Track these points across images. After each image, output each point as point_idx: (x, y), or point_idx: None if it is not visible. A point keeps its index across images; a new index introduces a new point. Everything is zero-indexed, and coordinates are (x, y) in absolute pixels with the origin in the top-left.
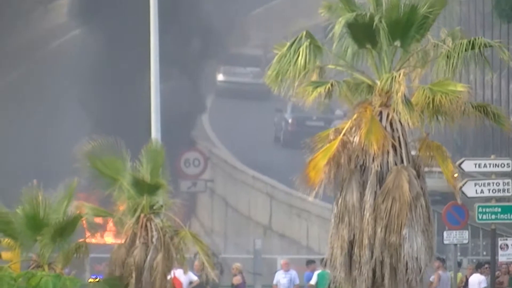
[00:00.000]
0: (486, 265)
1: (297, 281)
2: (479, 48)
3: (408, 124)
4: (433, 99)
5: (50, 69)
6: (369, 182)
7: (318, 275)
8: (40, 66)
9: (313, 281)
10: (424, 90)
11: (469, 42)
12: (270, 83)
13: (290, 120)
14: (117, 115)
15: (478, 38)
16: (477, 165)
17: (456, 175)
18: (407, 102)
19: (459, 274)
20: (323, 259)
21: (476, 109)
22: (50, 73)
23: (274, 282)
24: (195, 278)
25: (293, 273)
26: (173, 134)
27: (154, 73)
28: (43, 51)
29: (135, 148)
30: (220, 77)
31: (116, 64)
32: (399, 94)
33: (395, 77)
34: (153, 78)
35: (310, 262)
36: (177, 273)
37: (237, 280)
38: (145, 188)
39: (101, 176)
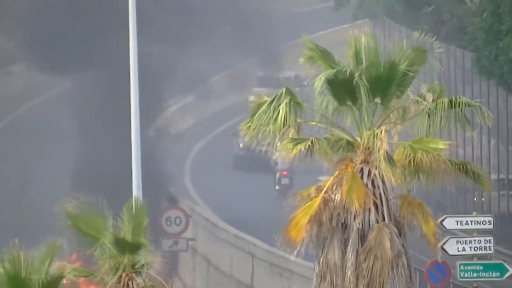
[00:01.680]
0: None
1: None
2: (460, 107)
3: (391, 182)
4: (414, 157)
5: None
6: (350, 240)
7: None
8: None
9: None
10: (405, 148)
11: (450, 101)
12: (247, 138)
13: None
14: (98, 171)
15: (459, 98)
16: (458, 223)
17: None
18: (389, 159)
19: None
20: None
21: (456, 167)
22: (29, 128)
23: None
24: None
25: None
26: (154, 191)
27: (135, 128)
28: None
29: (117, 206)
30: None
31: (97, 117)
32: (381, 151)
33: (377, 134)
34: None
35: None
36: None
37: None
38: (126, 247)
39: (83, 235)
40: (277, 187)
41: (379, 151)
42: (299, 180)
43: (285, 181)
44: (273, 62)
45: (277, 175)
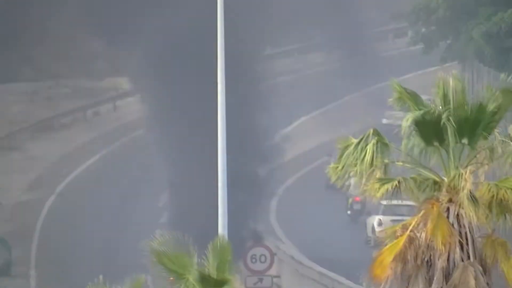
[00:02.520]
0: None
1: None
2: None
3: (474, 220)
4: (497, 194)
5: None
6: (435, 278)
7: None
8: (107, 159)
9: None
10: (489, 187)
11: None
12: (334, 179)
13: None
14: (184, 207)
15: None
16: None
17: None
18: (472, 198)
19: None
20: None
21: None
22: (119, 162)
23: None
24: None
25: None
26: (240, 228)
27: (221, 162)
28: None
29: (202, 243)
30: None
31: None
32: (465, 191)
33: (462, 174)
34: (220, 169)
35: None
36: None
37: None
38: (211, 283)
39: (168, 272)
40: (349, 212)
41: (463, 191)
42: (371, 205)
43: (357, 206)
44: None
45: (350, 200)
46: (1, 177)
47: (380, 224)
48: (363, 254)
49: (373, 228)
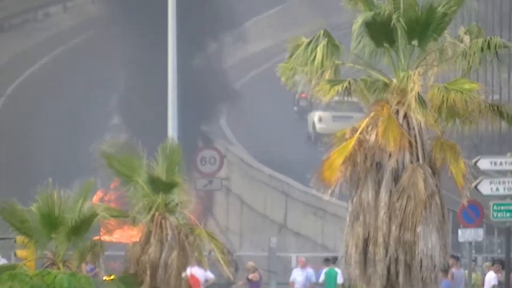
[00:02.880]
0: (496, 264)
1: (314, 279)
2: (496, 48)
3: (421, 122)
4: (447, 98)
5: (67, 66)
6: (384, 180)
7: (325, 273)
8: (58, 61)
9: (320, 279)
10: (439, 89)
11: (485, 41)
12: (284, 79)
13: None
14: (133, 112)
15: (494, 38)
16: (492, 163)
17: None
18: (421, 100)
19: (475, 274)
20: (330, 258)
21: (490, 109)
22: (67, 70)
23: (291, 279)
24: (211, 276)
25: (309, 271)
26: (189, 131)
27: (172, 69)
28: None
29: (152, 146)
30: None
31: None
32: (413, 92)
33: (411, 75)
34: (170, 75)
35: (327, 260)
36: (194, 270)
37: (254, 276)
38: (160, 186)
39: (117, 174)
40: (295, 108)
41: (411, 92)
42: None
43: (303, 102)
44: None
45: (296, 96)
46: None
47: (320, 120)
48: (311, 153)
49: (313, 124)
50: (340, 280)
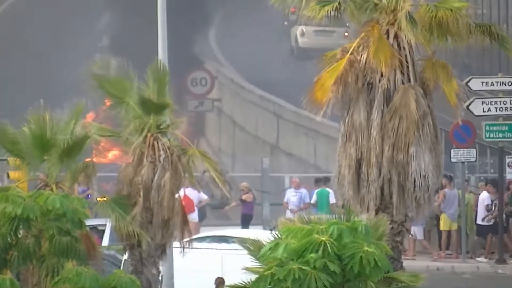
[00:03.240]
0: (488, 184)
1: (307, 200)
2: None
3: (411, 41)
4: (436, 15)
5: None
6: (376, 101)
7: (317, 193)
8: None
9: (312, 199)
10: (428, 7)
11: None
12: (274, 1)
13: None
14: (124, 34)
15: None
16: (484, 83)
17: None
18: (411, 19)
19: (469, 195)
20: (321, 178)
21: (480, 28)
22: None
23: (285, 200)
24: (205, 197)
25: (303, 191)
26: (180, 52)
27: None
28: None
29: (142, 68)
30: None
31: None
32: (403, 11)
33: None
34: None
35: (318, 180)
36: (187, 191)
37: (248, 197)
38: (152, 107)
39: (108, 96)
40: (286, 23)
41: (401, 11)
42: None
43: (293, 17)
44: None
45: (286, 11)
46: None
47: (302, 34)
48: (294, 68)
49: (296, 38)
50: (332, 200)
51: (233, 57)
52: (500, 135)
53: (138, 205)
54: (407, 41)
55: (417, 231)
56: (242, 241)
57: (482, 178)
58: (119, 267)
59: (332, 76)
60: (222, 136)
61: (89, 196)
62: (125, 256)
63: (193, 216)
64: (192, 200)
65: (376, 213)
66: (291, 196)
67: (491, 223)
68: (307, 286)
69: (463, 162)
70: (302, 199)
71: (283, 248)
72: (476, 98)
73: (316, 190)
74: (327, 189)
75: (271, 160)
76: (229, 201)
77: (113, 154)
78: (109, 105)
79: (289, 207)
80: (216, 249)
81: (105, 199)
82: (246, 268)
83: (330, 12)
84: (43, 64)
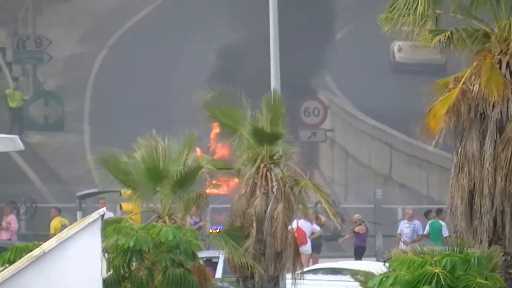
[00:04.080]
0: None
1: (421, 231)
2: None
3: None
4: None
5: (167, 18)
6: (489, 131)
7: (430, 224)
8: (160, 10)
9: (425, 231)
10: None
11: None
12: (385, 29)
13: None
14: (236, 63)
15: None
16: None
17: None
18: None
19: None
20: (431, 210)
21: None
22: (171, 13)
23: (398, 231)
24: (317, 228)
25: (416, 223)
26: (293, 83)
27: (273, 21)
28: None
29: (255, 98)
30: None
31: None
32: None
33: None
34: (272, 27)
35: (428, 212)
36: (300, 223)
37: (361, 229)
38: (265, 137)
39: (221, 126)
40: (396, 57)
41: None
42: None
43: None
44: None
45: (395, 46)
46: (52, 30)
47: (399, 49)
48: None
49: (393, 53)
50: (445, 233)
51: (345, 87)
52: None
53: (251, 236)
54: None
55: None
56: (354, 273)
57: None
58: None
59: (445, 106)
60: (335, 167)
61: (200, 228)
62: None
63: (306, 248)
64: (304, 232)
65: (489, 245)
66: (404, 228)
67: None
68: None
69: None
70: (415, 231)
71: (393, 280)
72: None
73: (429, 222)
74: (440, 221)
75: (383, 191)
76: (341, 233)
77: (225, 185)
78: (222, 135)
79: (402, 239)
80: (328, 280)
81: (218, 231)
82: None
83: (442, 41)
84: (156, 92)
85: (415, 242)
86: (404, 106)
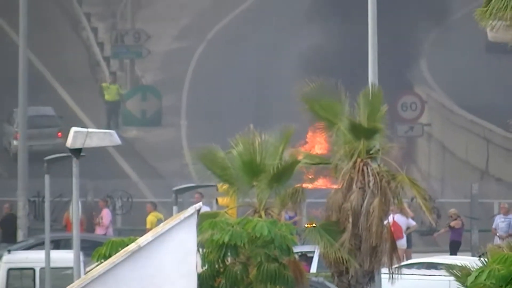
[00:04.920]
0: None
1: None
2: None
3: None
4: None
5: (265, 12)
6: None
7: None
8: (256, 7)
9: None
10: None
11: None
12: (482, 24)
13: None
14: (335, 55)
15: None
16: None
17: None
18: None
19: None
20: None
21: None
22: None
23: (493, 226)
24: (413, 223)
25: None
26: (390, 77)
27: (372, 14)
28: None
29: (353, 91)
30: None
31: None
32: None
33: None
34: (370, 20)
35: None
36: (396, 218)
37: (456, 223)
38: (362, 132)
39: (319, 119)
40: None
41: None
42: None
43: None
44: None
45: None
46: (150, 25)
47: (492, 28)
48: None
49: (485, 33)
50: None
51: (443, 81)
52: None
53: (347, 231)
54: None
55: None
56: (450, 268)
57: None
58: None
59: None
60: (432, 161)
61: (295, 222)
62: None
63: (402, 243)
64: (400, 227)
65: None
66: (500, 222)
67: None
68: None
69: None
70: (511, 225)
71: (487, 274)
72: None
73: None
74: None
75: (480, 185)
76: (437, 228)
77: (322, 179)
78: (320, 128)
79: (498, 234)
80: (423, 275)
81: (313, 225)
82: None
83: None
84: (254, 87)
85: (511, 236)
86: (502, 100)
